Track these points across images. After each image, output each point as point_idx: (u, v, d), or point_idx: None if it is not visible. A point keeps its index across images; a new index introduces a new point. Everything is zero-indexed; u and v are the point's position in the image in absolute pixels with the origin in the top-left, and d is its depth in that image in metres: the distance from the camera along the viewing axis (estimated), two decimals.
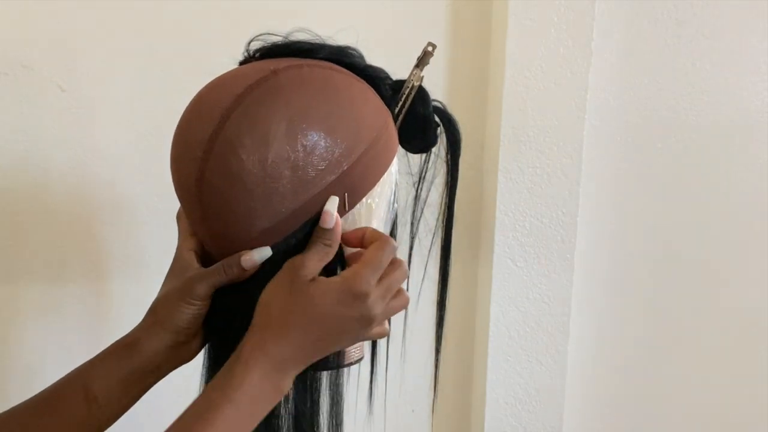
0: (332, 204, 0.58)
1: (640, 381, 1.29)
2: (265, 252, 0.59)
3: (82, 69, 0.94)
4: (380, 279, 0.59)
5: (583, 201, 1.12)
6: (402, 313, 0.76)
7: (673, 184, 1.22)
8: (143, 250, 1.00)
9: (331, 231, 0.58)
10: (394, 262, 0.61)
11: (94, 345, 0.67)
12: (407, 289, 0.64)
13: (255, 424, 0.56)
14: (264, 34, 0.64)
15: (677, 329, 1.28)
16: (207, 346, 0.65)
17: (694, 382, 1.31)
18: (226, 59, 0.65)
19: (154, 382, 0.63)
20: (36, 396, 0.63)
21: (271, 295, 0.58)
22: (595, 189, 1.17)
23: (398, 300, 0.62)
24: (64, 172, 0.96)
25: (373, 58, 0.67)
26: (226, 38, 0.65)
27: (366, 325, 0.59)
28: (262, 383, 0.56)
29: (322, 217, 0.58)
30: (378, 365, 0.73)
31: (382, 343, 0.74)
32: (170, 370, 0.64)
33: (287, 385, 0.58)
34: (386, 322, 0.66)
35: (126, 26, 0.94)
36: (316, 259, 0.59)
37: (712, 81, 1.19)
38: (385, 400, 0.80)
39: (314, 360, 0.59)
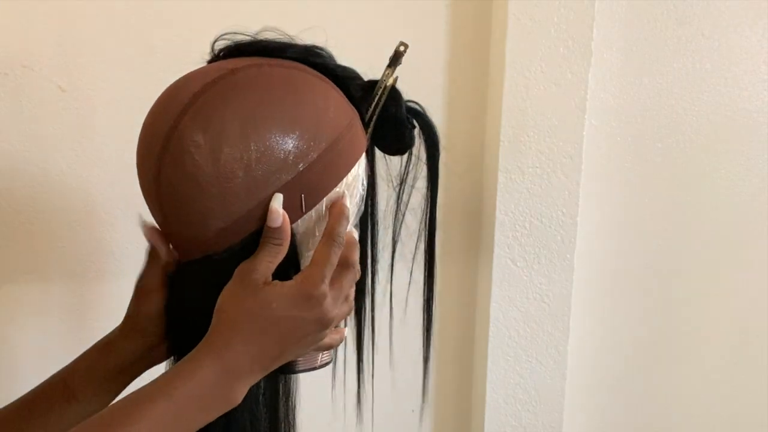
0: (277, 201, 0.57)
1: (640, 381, 1.29)
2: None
3: (82, 69, 0.94)
4: (332, 280, 0.58)
5: (583, 201, 1.12)
6: (401, 313, 0.76)
7: (673, 184, 1.22)
8: (143, 250, 1.00)
9: (279, 229, 0.57)
10: (347, 263, 0.60)
11: None
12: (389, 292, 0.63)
13: (197, 427, 0.55)
14: (230, 33, 0.63)
15: (677, 329, 1.28)
16: (172, 357, 0.64)
17: (694, 381, 1.31)
18: None
19: (131, 380, 0.66)
20: (23, 397, 0.65)
21: (225, 300, 0.57)
22: (595, 189, 1.17)
23: (347, 304, 0.61)
24: (64, 172, 0.96)
25: (372, 58, 0.66)
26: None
27: (323, 328, 0.58)
28: (212, 387, 0.54)
29: (268, 215, 0.56)
30: (368, 366, 0.73)
31: (379, 343, 0.73)
32: (144, 370, 0.66)
33: (241, 393, 0.56)
34: (342, 326, 0.65)
35: (126, 27, 0.94)
36: (267, 261, 0.57)
37: (712, 81, 1.19)
38: (384, 401, 0.80)
39: (273, 368, 0.58)
